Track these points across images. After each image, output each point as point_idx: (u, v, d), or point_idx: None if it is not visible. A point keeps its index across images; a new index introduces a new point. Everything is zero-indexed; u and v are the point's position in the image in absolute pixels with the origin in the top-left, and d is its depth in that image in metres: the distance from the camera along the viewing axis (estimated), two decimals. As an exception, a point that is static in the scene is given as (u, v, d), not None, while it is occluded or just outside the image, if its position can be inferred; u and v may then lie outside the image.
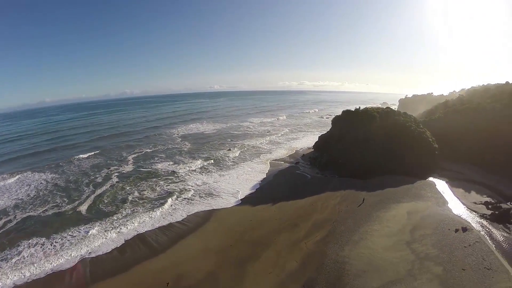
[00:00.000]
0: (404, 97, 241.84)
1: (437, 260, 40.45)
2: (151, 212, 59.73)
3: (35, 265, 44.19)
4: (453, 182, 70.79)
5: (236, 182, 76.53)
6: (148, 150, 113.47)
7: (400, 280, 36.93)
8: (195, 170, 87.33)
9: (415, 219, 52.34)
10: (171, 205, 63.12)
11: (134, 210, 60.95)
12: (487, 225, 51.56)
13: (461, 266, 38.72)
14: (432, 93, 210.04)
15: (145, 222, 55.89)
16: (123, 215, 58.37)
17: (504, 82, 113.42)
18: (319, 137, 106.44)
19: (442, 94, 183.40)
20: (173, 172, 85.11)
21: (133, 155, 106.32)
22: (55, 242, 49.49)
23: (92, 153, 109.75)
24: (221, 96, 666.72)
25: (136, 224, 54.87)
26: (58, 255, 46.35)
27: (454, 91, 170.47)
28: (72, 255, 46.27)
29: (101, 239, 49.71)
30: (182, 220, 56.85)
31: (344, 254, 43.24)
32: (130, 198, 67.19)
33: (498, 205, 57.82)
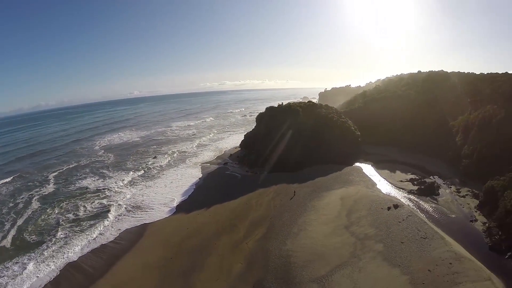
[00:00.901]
0: (323, 91, 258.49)
1: (376, 238, 42.67)
2: (80, 235, 54.76)
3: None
4: (378, 165, 77.22)
5: (166, 191, 72.96)
6: (70, 167, 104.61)
7: (346, 263, 37.90)
8: (122, 183, 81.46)
9: (348, 204, 55.04)
10: (101, 225, 58.03)
11: (62, 236, 55.53)
12: (416, 199, 57.20)
13: (400, 240, 41.37)
14: (350, 85, 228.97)
15: (75, 247, 50.97)
16: (52, 242, 53.81)
17: (416, 71, 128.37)
18: (245, 135, 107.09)
19: (360, 86, 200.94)
20: (99, 189, 78.54)
21: (55, 174, 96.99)
22: (-20, 286, 42.90)
23: (10, 177, 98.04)
24: (142, 102, 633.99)
25: (66, 251, 49.90)
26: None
27: (370, 82, 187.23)
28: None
29: (31, 274, 45.10)
30: (114, 239, 52.60)
31: (287, 248, 43.17)
32: (56, 223, 61.18)
33: (422, 180, 64.61)
